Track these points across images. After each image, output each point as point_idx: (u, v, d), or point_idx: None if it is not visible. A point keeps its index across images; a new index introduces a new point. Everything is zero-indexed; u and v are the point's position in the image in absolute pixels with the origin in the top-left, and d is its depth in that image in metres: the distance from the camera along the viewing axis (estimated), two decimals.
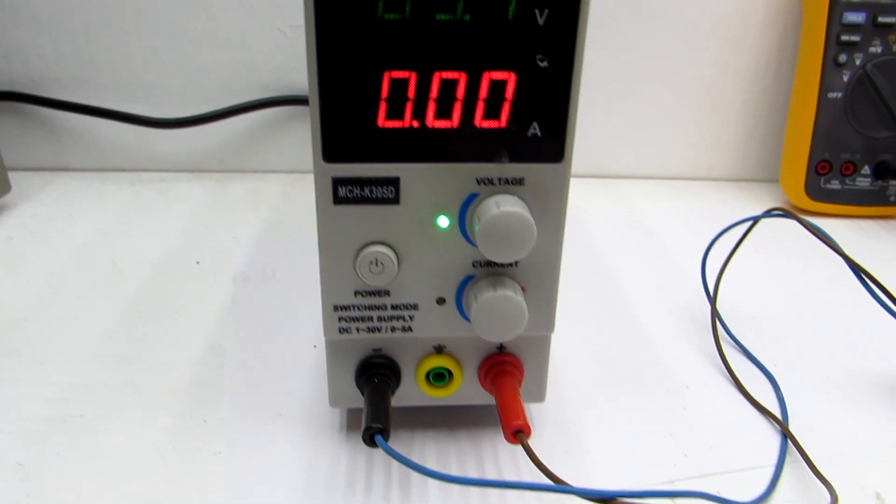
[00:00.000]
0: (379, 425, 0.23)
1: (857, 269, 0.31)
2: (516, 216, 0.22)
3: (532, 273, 0.25)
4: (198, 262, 0.42)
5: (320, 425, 0.28)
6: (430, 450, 0.27)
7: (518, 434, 0.23)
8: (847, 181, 0.51)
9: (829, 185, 0.51)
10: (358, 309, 0.25)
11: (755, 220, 0.36)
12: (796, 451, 0.28)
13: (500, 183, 0.24)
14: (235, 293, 0.38)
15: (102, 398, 0.30)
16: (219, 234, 0.46)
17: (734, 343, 0.35)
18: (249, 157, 0.58)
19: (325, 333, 0.25)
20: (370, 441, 0.23)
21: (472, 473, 0.26)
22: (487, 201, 0.23)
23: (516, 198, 0.23)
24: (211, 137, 0.56)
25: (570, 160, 0.24)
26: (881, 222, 0.52)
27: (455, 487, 0.25)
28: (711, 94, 0.58)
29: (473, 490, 0.25)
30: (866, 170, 0.51)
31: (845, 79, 0.50)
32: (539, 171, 0.23)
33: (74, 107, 0.53)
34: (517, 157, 0.23)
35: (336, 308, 0.25)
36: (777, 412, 0.30)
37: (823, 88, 0.50)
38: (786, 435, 0.28)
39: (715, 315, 0.36)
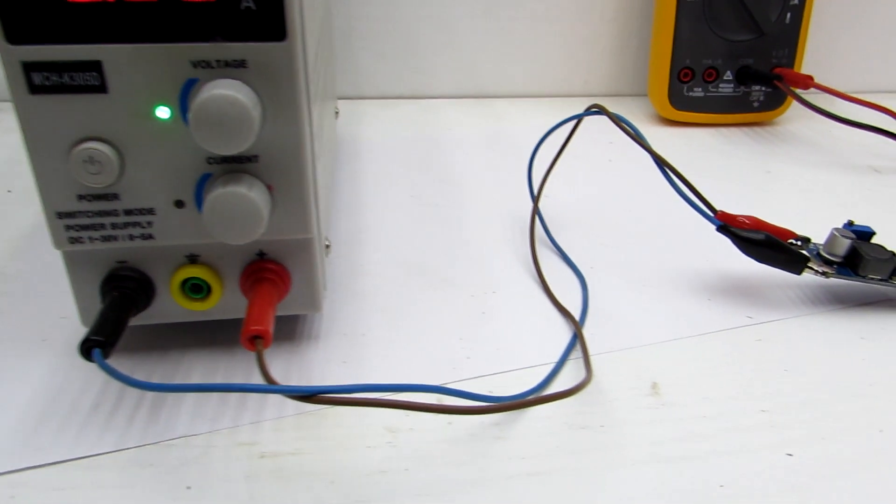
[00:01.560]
0: (98, 338, 0.21)
1: (662, 164, 0.30)
2: (227, 100, 0.20)
3: (276, 170, 0.23)
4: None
5: None
6: (198, 368, 0.26)
7: (256, 340, 0.22)
8: (710, 88, 0.50)
9: (692, 93, 0.50)
10: (87, 216, 0.23)
11: (578, 118, 0.34)
12: (589, 350, 0.27)
13: (218, 66, 0.21)
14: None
15: None
16: None
17: (553, 246, 0.34)
18: None
19: (55, 245, 0.23)
20: (86, 355, 0.21)
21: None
22: (204, 87, 0.21)
23: (238, 82, 0.21)
24: None
25: (298, 39, 0.21)
26: (746, 129, 0.52)
27: (209, 401, 0.24)
28: (581, 4, 0.56)
29: (231, 400, 0.24)
30: (728, 75, 0.50)
31: None
32: (261, 51, 0.21)
33: None
34: (233, 36, 0.21)
35: (60, 215, 0.23)
36: (578, 313, 0.29)
37: None
38: (576, 333, 0.28)
39: (534, 218, 0.35)
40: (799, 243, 0.31)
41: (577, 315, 0.29)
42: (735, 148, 0.48)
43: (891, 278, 0.29)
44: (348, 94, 0.56)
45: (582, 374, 0.26)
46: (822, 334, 0.28)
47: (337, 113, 0.47)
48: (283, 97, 0.22)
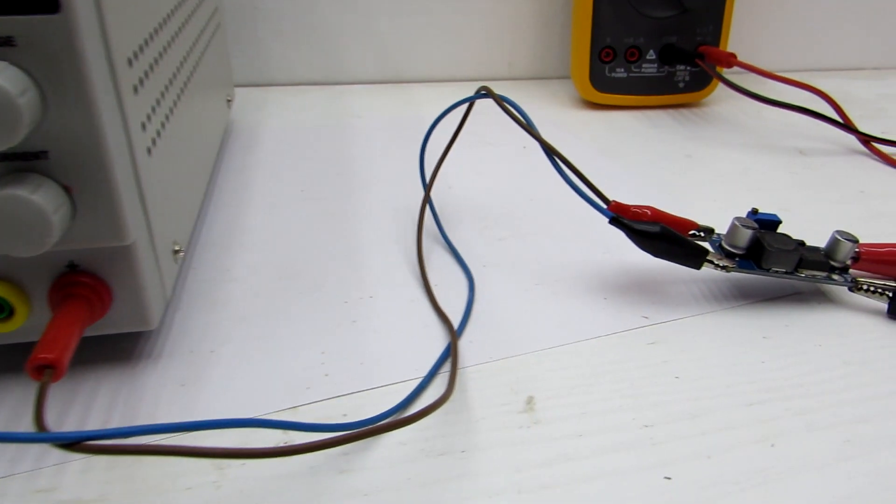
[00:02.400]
0: None
1: (550, 153, 0.27)
2: None
3: (72, 167, 0.20)
4: None
5: None
6: (8, 401, 0.22)
7: (45, 370, 0.19)
8: (633, 68, 0.48)
9: (614, 74, 0.48)
10: None
11: (467, 102, 0.31)
12: (465, 361, 0.24)
13: None
14: None
15: None
16: None
17: (445, 243, 0.32)
18: None
19: None
20: None
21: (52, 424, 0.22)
22: None
23: (3, 63, 0.18)
24: None
25: (79, 11, 0.18)
26: (672, 111, 0.49)
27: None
28: None
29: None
30: (651, 55, 0.47)
31: None
32: (30, 26, 0.18)
33: None
34: None
35: None
36: (459, 318, 0.27)
37: None
38: (451, 344, 0.25)
39: (424, 211, 0.32)
40: (702, 234, 0.29)
41: (458, 320, 0.26)
42: (658, 131, 0.46)
43: (797, 270, 0.27)
44: (253, 81, 0.53)
45: (463, 389, 0.23)
46: (720, 334, 0.26)
47: (230, 101, 0.43)
48: (66, 81, 0.18)
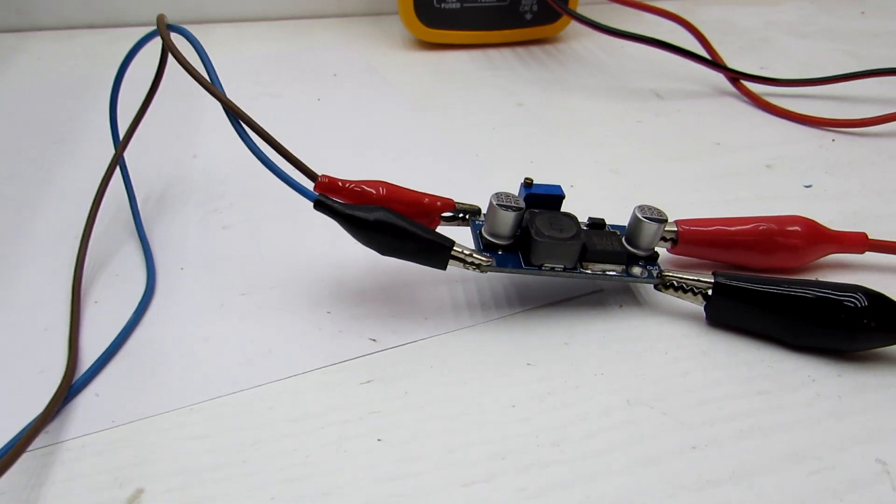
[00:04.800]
0: None
1: (233, 114, 0.19)
2: None
3: None
4: None
5: None
6: None
7: None
8: None
9: (445, 5, 0.39)
10: None
11: (137, 47, 0.23)
12: (71, 429, 0.16)
13: None
14: None
15: None
16: None
17: (139, 235, 0.23)
18: None
19: None
20: None
21: None
22: None
23: None
24: None
25: None
26: (519, 49, 0.41)
27: None
28: None
29: None
30: None
31: None
32: None
33: None
34: None
35: None
36: (97, 354, 0.18)
37: None
38: (54, 399, 0.17)
39: (102, 193, 0.23)
40: (465, 217, 0.21)
41: (93, 356, 0.18)
42: (493, 74, 0.38)
43: (581, 265, 0.20)
44: (13, 26, 0.43)
45: (39, 483, 0.15)
46: (467, 361, 0.18)
47: None
48: None
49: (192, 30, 0.21)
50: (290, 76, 0.37)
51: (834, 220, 0.25)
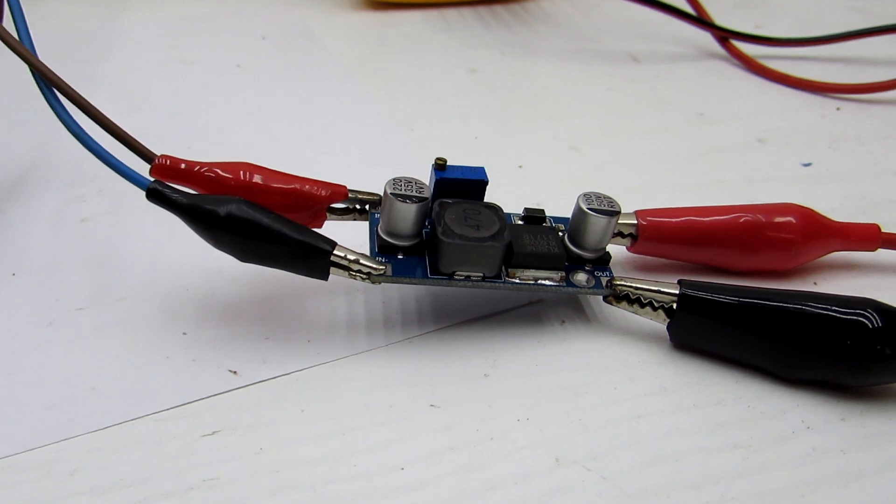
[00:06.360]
0: None
1: (46, 81, 0.14)
2: None
3: None
4: None
5: None
6: None
7: None
8: None
9: None
10: None
11: None
12: None
13: None
14: None
15: None
16: None
17: None
18: None
19: None
20: None
21: None
22: None
23: None
24: None
25: None
26: (481, 10, 0.36)
27: None
28: None
29: None
30: None
31: None
32: None
33: None
34: None
35: None
36: None
37: None
38: None
39: None
40: (361, 208, 0.16)
41: None
42: (447, 37, 0.33)
43: (507, 271, 0.15)
44: None
45: None
46: (354, 402, 0.14)
47: None
48: None
49: None
50: (211, 40, 0.32)
51: (838, 207, 0.20)
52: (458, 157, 0.23)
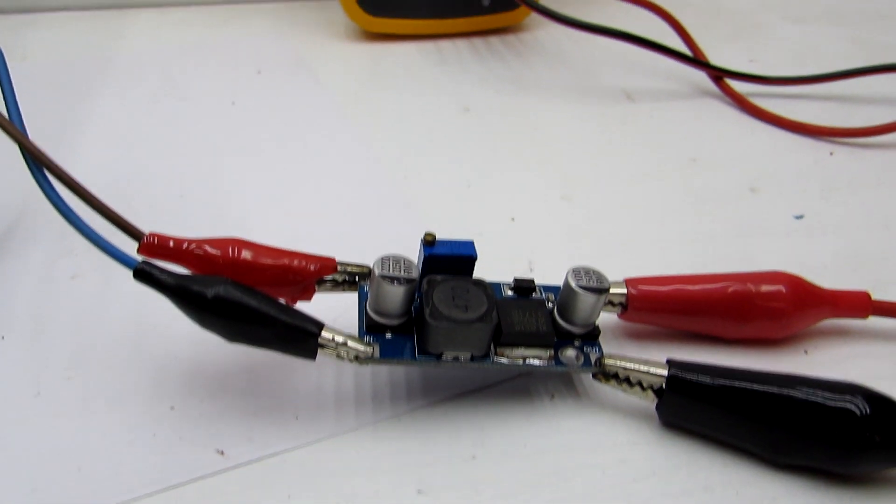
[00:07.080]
0: None
1: (34, 159, 0.14)
2: None
3: None
4: None
5: None
6: None
7: None
8: None
9: None
10: None
11: None
12: None
13: None
14: None
15: None
16: None
17: None
18: None
19: None
20: None
21: None
22: None
23: None
24: None
25: None
26: (475, 41, 0.36)
27: None
28: None
29: None
30: None
31: None
32: None
33: None
34: None
35: None
36: None
37: None
38: None
39: None
40: (351, 280, 0.16)
41: None
42: (442, 71, 0.33)
43: (495, 350, 0.15)
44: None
45: None
46: (341, 487, 0.14)
47: None
48: None
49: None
50: (206, 72, 0.32)
51: (829, 263, 0.20)
52: (449, 208, 0.23)
